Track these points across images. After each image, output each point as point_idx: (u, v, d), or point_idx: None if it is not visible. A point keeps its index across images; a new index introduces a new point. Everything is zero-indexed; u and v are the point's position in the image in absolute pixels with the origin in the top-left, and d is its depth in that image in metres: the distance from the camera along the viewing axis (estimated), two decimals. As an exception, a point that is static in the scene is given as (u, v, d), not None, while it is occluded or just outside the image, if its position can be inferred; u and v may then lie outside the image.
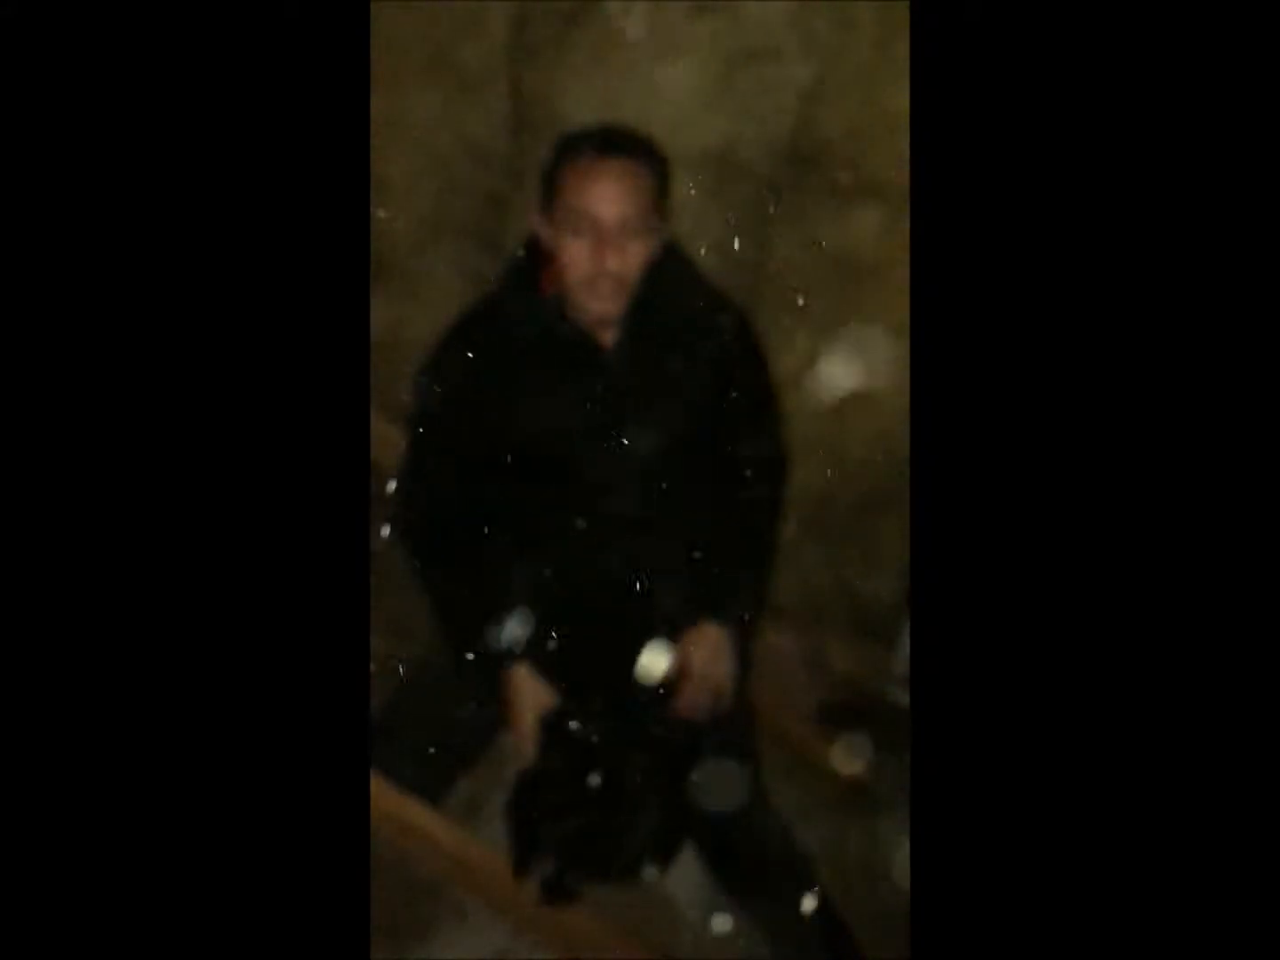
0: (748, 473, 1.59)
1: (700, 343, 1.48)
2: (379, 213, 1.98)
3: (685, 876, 1.79)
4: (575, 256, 1.37)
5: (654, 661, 1.53)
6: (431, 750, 1.56)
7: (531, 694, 1.50)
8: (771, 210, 1.79)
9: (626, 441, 1.48)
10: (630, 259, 1.37)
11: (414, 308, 2.06)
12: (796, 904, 1.61)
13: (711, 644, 1.53)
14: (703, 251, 1.79)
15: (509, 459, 1.49)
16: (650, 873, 1.55)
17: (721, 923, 1.70)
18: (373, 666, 1.71)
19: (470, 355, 1.49)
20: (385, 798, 1.46)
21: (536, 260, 1.45)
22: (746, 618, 1.59)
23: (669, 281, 1.45)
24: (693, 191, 1.76)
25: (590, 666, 1.54)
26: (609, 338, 1.47)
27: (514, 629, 1.49)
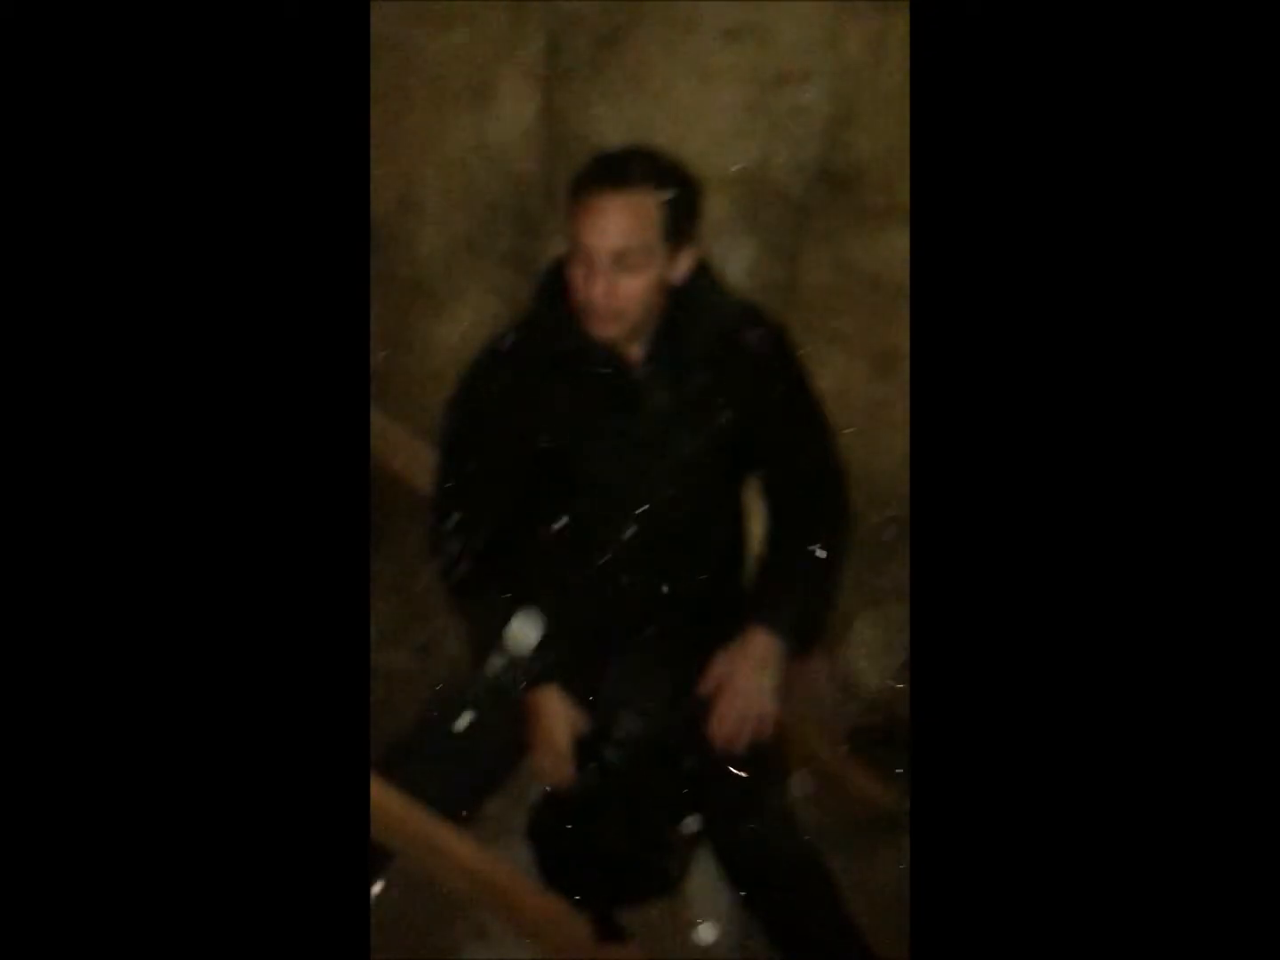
0: (797, 488, 1.56)
1: (730, 358, 1.48)
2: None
3: (710, 898, 1.79)
4: (576, 283, 1.40)
5: (523, 630, 1.47)
6: (459, 771, 1.57)
7: (563, 715, 1.50)
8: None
9: (654, 455, 1.48)
10: (621, 291, 1.38)
11: (447, 328, 2.08)
12: (821, 927, 1.59)
13: (758, 654, 1.48)
14: (733, 273, 1.80)
15: (539, 475, 1.50)
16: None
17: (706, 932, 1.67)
18: (400, 686, 1.73)
19: (502, 373, 1.51)
20: (413, 818, 1.46)
21: (564, 279, 1.47)
22: (802, 639, 1.54)
23: (697, 301, 1.46)
24: (723, 213, 1.77)
25: (620, 688, 1.54)
26: (636, 353, 1.48)
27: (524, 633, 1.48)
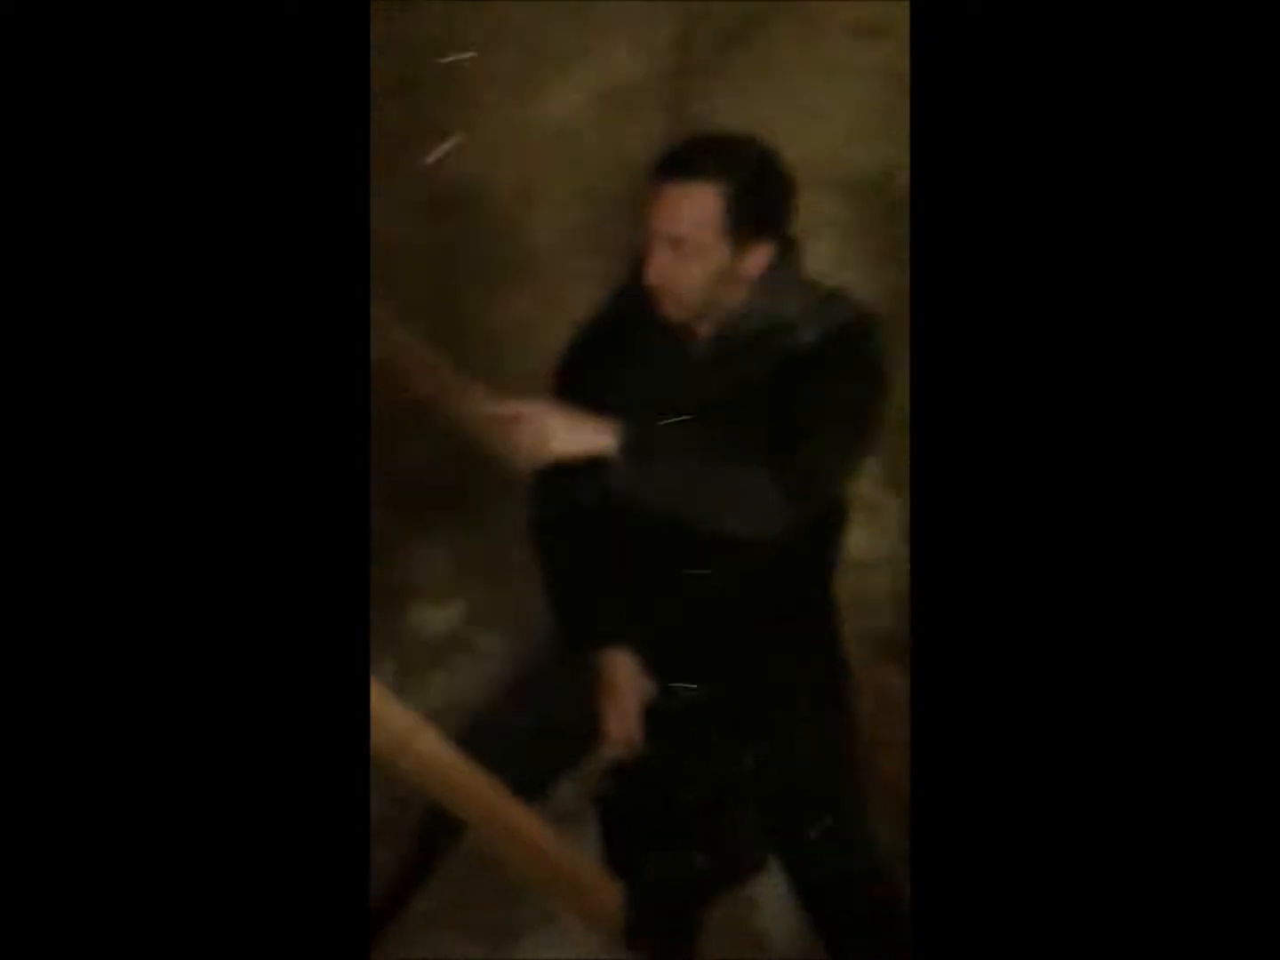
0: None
1: (790, 348, 1.47)
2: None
3: (778, 912, 1.76)
4: (650, 270, 1.42)
5: None
6: (536, 751, 1.57)
7: (633, 678, 1.50)
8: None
9: (700, 432, 1.47)
10: (676, 278, 1.41)
11: (546, 312, 2.08)
12: (892, 948, 1.55)
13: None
14: (850, 278, 1.77)
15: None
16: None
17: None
18: (491, 666, 1.74)
19: (586, 348, 1.55)
20: (490, 796, 1.47)
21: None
22: None
23: (773, 287, 1.46)
24: (845, 216, 1.74)
25: (692, 658, 1.54)
26: (703, 335, 1.49)
27: None
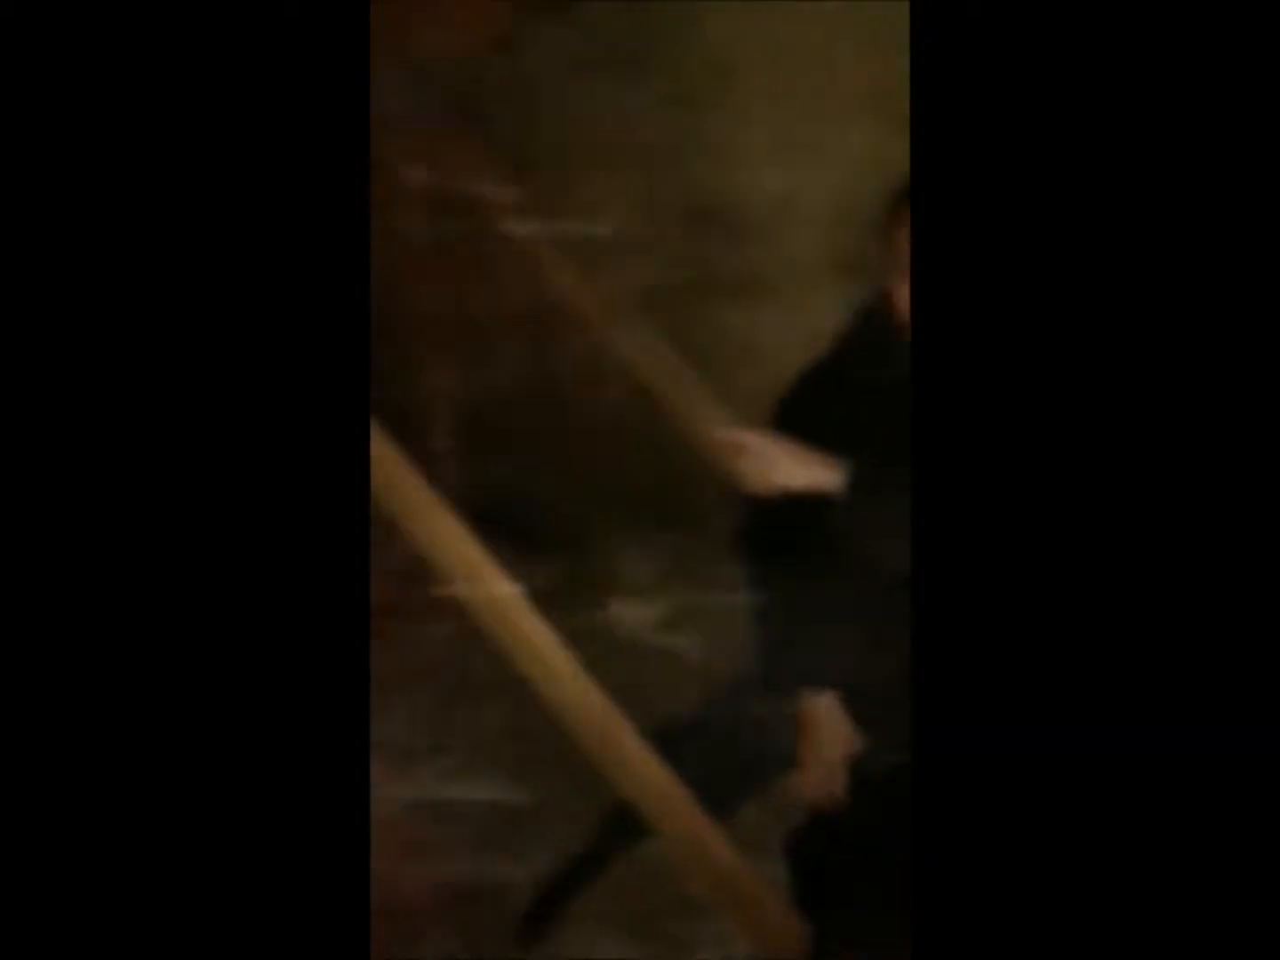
0: None
1: None
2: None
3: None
4: (899, 300, 1.36)
5: None
6: (728, 766, 1.56)
7: (838, 730, 1.46)
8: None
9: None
10: None
11: (790, 330, 2.06)
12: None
13: None
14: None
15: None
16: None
17: None
18: (681, 669, 1.73)
19: (806, 392, 1.52)
20: (678, 803, 1.46)
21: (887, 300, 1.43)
22: None
23: None
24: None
25: (899, 715, 1.48)
26: None
27: None
